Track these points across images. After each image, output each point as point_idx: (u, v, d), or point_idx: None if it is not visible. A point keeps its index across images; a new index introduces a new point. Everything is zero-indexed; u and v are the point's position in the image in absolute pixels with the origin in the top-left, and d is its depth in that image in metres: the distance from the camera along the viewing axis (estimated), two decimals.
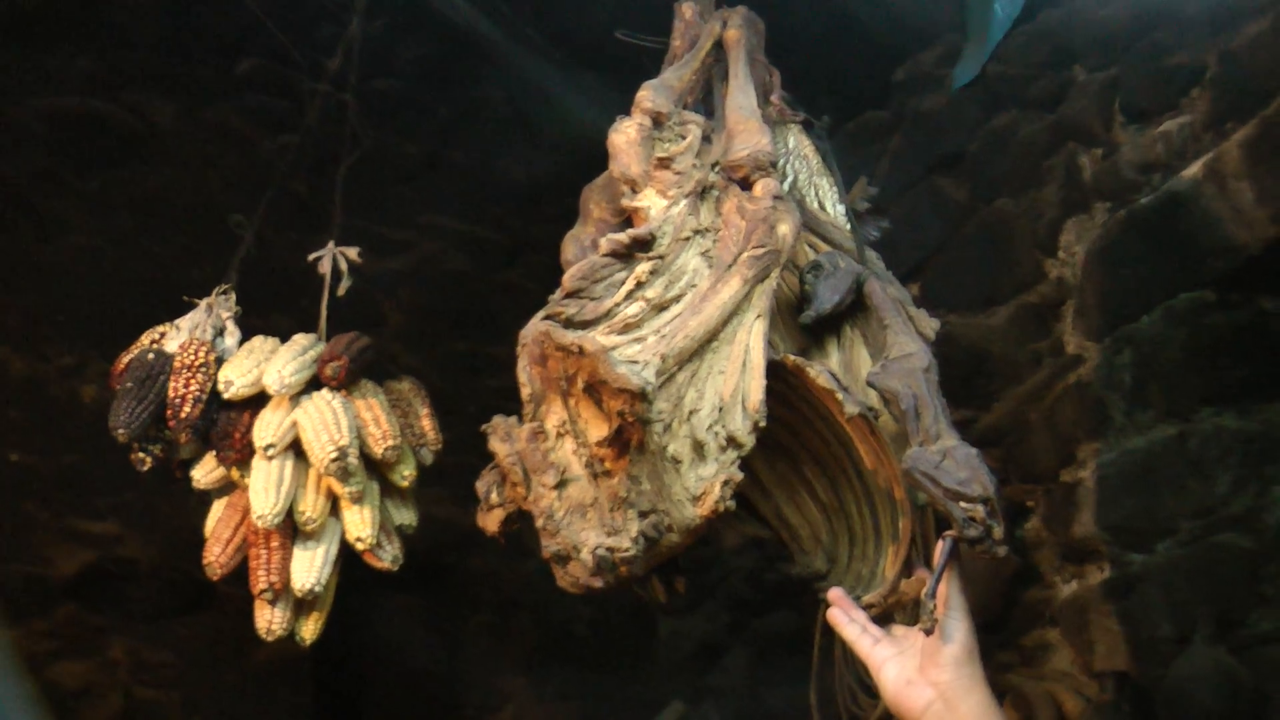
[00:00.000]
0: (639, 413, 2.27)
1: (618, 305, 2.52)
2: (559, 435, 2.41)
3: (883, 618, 2.47)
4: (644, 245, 2.61)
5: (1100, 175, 3.89)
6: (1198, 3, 3.52)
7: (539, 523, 2.36)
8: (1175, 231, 3.57)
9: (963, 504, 2.28)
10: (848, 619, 2.44)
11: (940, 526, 2.46)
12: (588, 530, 2.32)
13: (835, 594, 2.50)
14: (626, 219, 2.91)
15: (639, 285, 2.55)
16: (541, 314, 2.50)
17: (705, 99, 3.14)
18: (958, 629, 2.27)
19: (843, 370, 2.71)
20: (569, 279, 2.56)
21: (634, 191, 2.80)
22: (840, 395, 2.52)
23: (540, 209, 5.42)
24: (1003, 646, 4.12)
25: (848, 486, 2.67)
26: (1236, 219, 3.39)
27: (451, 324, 5.54)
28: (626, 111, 3.06)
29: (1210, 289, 3.52)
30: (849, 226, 3.03)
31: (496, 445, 2.45)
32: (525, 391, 2.47)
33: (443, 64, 5.41)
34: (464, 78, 5.45)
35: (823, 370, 2.56)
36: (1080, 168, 3.98)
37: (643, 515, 2.32)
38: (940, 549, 2.33)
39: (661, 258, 2.60)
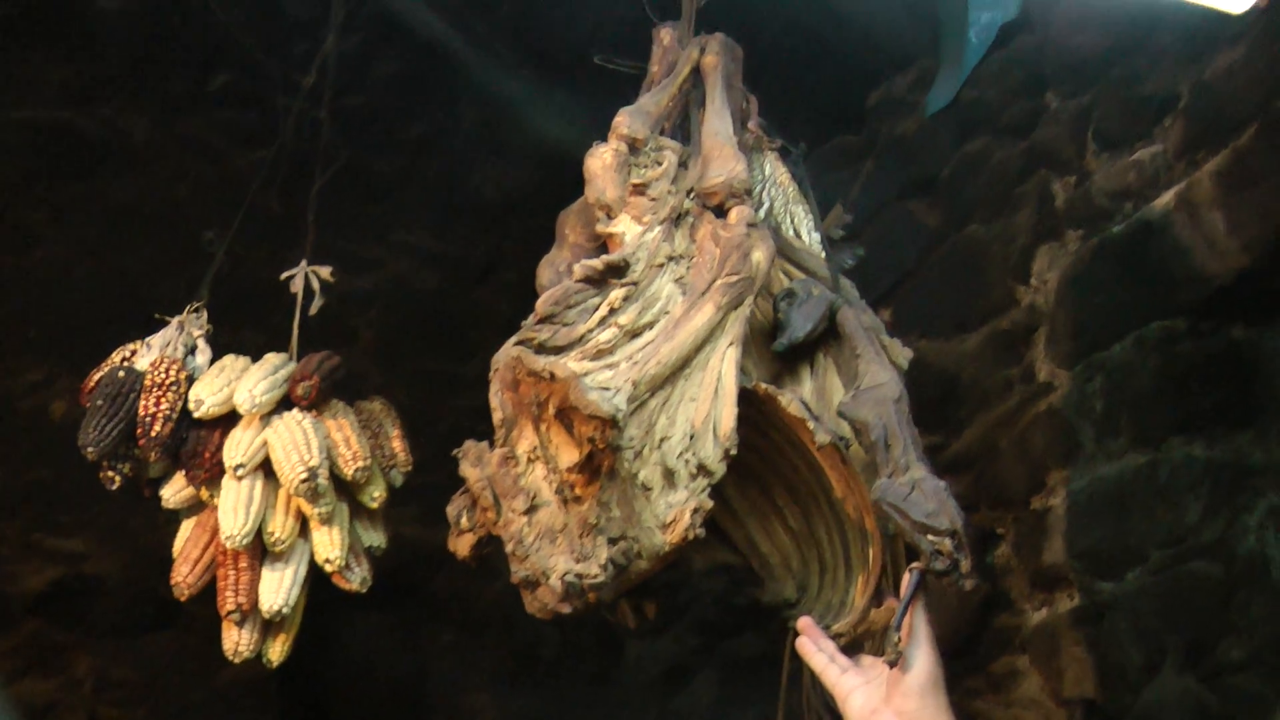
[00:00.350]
0: (610, 439, 2.27)
1: (590, 331, 2.51)
2: (530, 460, 2.41)
3: (852, 646, 2.46)
4: (618, 271, 2.60)
5: (1073, 202, 3.90)
6: (1171, 32, 3.53)
7: (509, 548, 2.35)
8: (1147, 260, 3.58)
9: (930, 536, 2.28)
10: (816, 648, 2.44)
11: (910, 557, 2.46)
12: (557, 556, 2.31)
13: (804, 623, 2.49)
14: (602, 244, 2.91)
15: (612, 311, 2.54)
16: (514, 339, 2.50)
17: (683, 125, 3.14)
18: (923, 659, 2.27)
19: (815, 398, 2.70)
20: (542, 304, 2.55)
21: (609, 217, 2.79)
22: (811, 424, 2.52)
23: (513, 228, 5.42)
24: (971, 673, 4.12)
25: (819, 514, 2.66)
26: (1208, 248, 3.40)
27: (423, 342, 5.53)
28: (602, 132, 3.05)
29: (1182, 318, 3.54)
30: (824, 254, 3.03)
31: (467, 469, 2.45)
32: (497, 416, 2.47)
33: (416, 81, 5.39)
34: (438, 95, 5.44)
35: (794, 399, 2.55)
36: (1053, 194, 3.99)
37: (612, 542, 2.31)
38: (907, 580, 2.34)
39: (635, 284, 2.60)
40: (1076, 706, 3.73)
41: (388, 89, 5.34)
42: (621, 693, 5.53)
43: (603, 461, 2.31)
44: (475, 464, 2.44)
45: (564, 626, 5.41)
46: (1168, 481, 3.50)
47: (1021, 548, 4.00)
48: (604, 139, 3.07)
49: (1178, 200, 3.49)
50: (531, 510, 2.36)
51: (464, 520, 2.54)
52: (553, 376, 2.31)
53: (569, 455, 2.34)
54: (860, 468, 2.53)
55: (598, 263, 2.60)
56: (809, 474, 2.63)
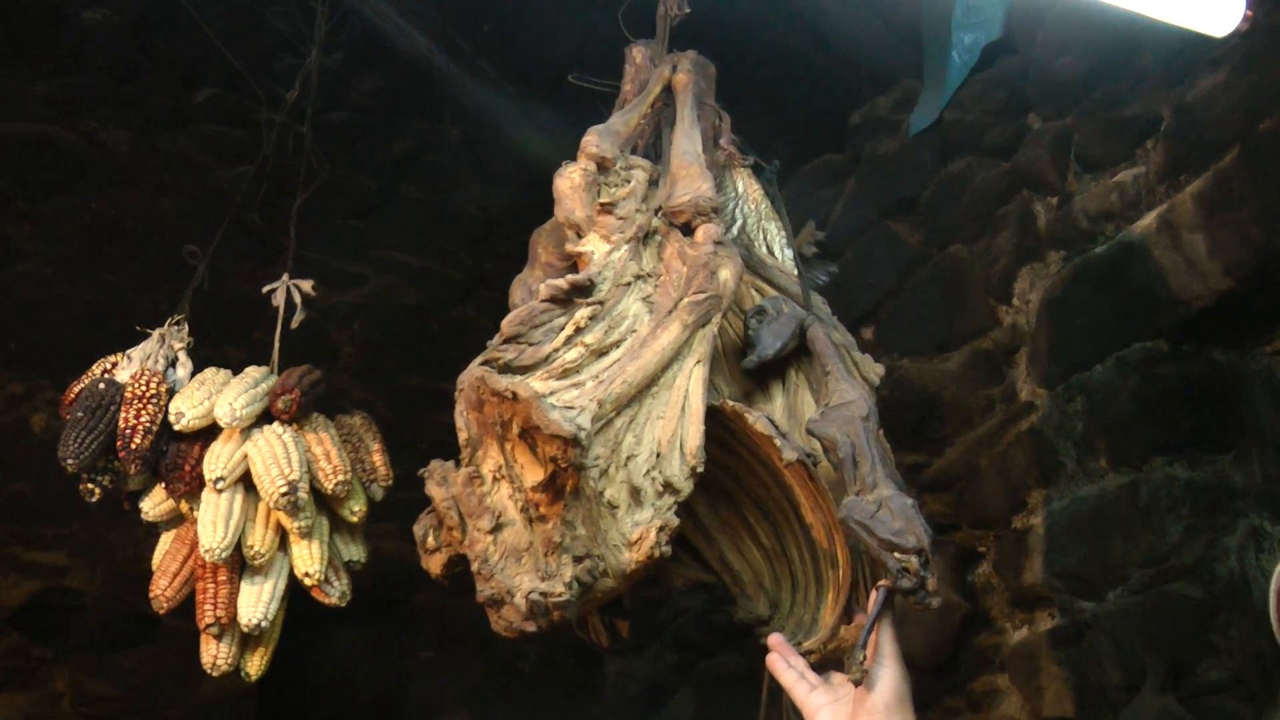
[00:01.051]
0: (572, 458, 2.27)
1: (556, 350, 2.51)
2: (495, 480, 2.41)
3: (824, 664, 2.46)
4: (583, 291, 2.60)
5: (1054, 224, 3.91)
6: (1153, 55, 3.55)
7: (474, 566, 2.36)
8: (1129, 282, 3.60)
9: (897, 554, 2.27)
10: (786, 665, 2.43)
11: (876, 575, 2.46)
12: (522, 575, 2.31)
13: (775, 640, 2.49)
14: (573, 264, 2.91)
15: (578, 330, 2.54)
16: (480, 359, 2.50)
17: (655, 143, 3.14)
18: (888, 677, 2.26)
19: (786, 415, 2.71)
20: (507, 324, 2.55)
21: (578, 236, 2.79)
22: (778, 441, 2.52)
23: (494, 245, 5.43)
24: (951, 691, 4.12)
25: (789, 532, 2.65)
26: (1189, 270, 3.41)
27: (404, 358, 5.53)
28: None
29: (1163, 339, 3.55)
30: (796, 271, 3.03)
31: (433, 489, 2.45)
32: (462, 436, 2.47)
33: (400, 98, 5.41)
34: (421, 112, 5.45)
35: (760, 416, 2.56)
36: (1034, 215, 4.00)
37: (577, 560, 2.31)
38: (874, 599, 2.33)
39: (601, 303, 2.60)
40: None
41: (370, 106, 5.36)
42: (600, 710, 5.52)
43: (567, 481, 2.31)
44: (440, 484, 2.45)
45: (543, 644, 5.41)
46: (1148, 502, 3.50)
47: (1002, 567, 4.00)
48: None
49: (1159, 222, 3.51)
50: (497, 529, 2.36)
51: (430, 539, 2.53)
52: (515, 396, 2.31)
53: (534, 474, 2.34)
54: (829, 485, 2.54)
55: (563, 282, 2.60)
56: (779, 491, 2.63)
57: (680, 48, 3.27)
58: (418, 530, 2.55)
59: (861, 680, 2.24)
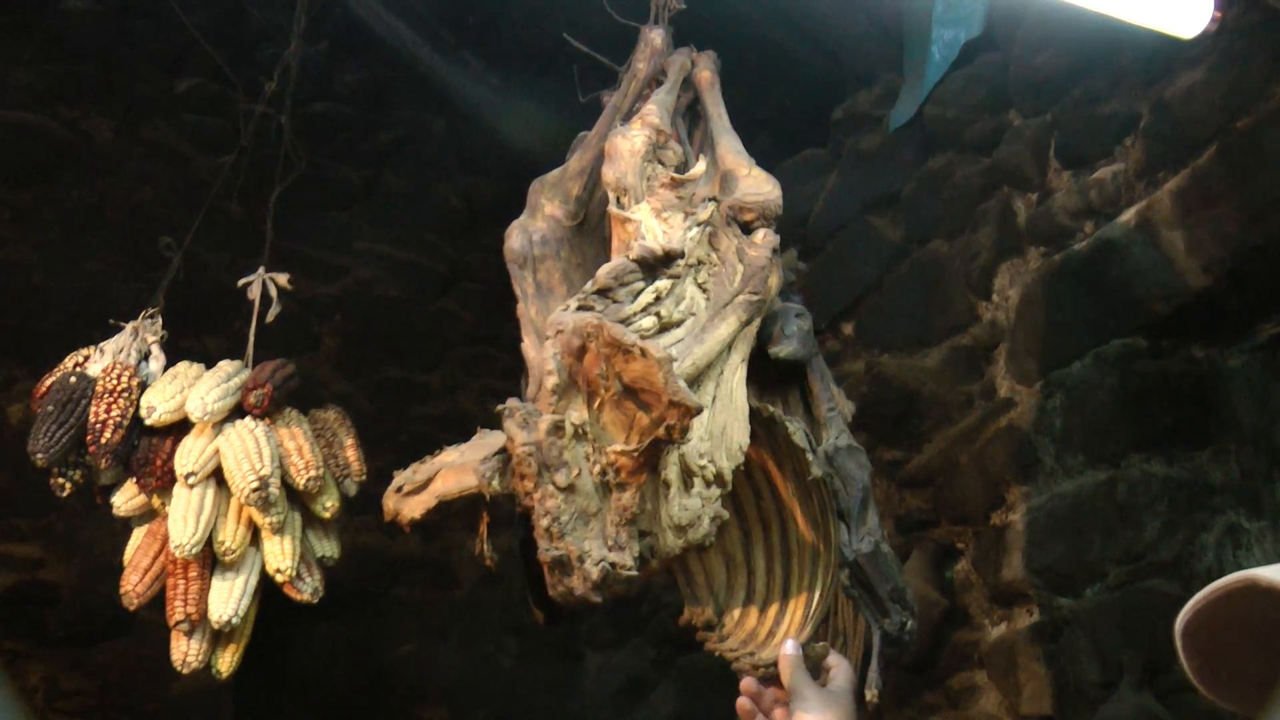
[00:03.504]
0: (686, 428, 2.20)
1: (635, 315, 2.47)
2: (575, 436, 2.29)
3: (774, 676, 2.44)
4: (671, 261, 2.57)
5: (1034, 220, 3.91)
6: (1132, 53, 3.54)
7: (543, 523, 2.22)
8: (1108, 278, 3.59)
9: (899, 607, 2.37)
10: (754, 709, 2.41)
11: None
12: (590, 541, 2.22)
13: (747, 684, 2.47)
14: (581, 220, 2.94)
15: (657, 299, 2.51)
16: (575, 303, 2.44)
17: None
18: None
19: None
20: (604, 275, 2.50)
21: (623, 202, 2.77)
22: (810, 456, 2.52)
23: (477, 237, 5.42)
24: (930, 688, 4.12)
25: (763, 543, 2.64)
26: (1168, 267, 3.41)
27: (385, 350, 5.51)
28: (565, 141, 3.11)
29: (1141, 336, 3.55)
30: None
31: (513, 430, 2.28)
32: (551, 381, 2.33)
33: (383, 89, 5.40)
34: (404, 104, 5.44)
35: (799, 428, 2.56)
36: (1015, 212, 4.00)
37: (642, 535, 2.27)
38: (866, 638, 2.38)
39: (677, 277, 2.57)
40: None
41: (355, 97, 5.35)
42: (581, 704, 5.51)
43: (660, 453, 2.24)
44: (522, 426, 2.27)
45: (523, 638, 5.41)
46: (1126, 499, 3.50)
47: (981, 563, 4.00)
48: (566, 149, 3.09)
49: (1138, 219, 3.50)
50: (570, 489, 2.24)
51: (496, 483, 2.39)
52: (644, 354, 2.21)
53: (619, 438, 2.27)
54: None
55: (657, 248, 2.56)
56: (770, 503, 2.62)
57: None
58: (483, 469, 2.41)
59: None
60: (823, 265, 4.84)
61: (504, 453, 2.37)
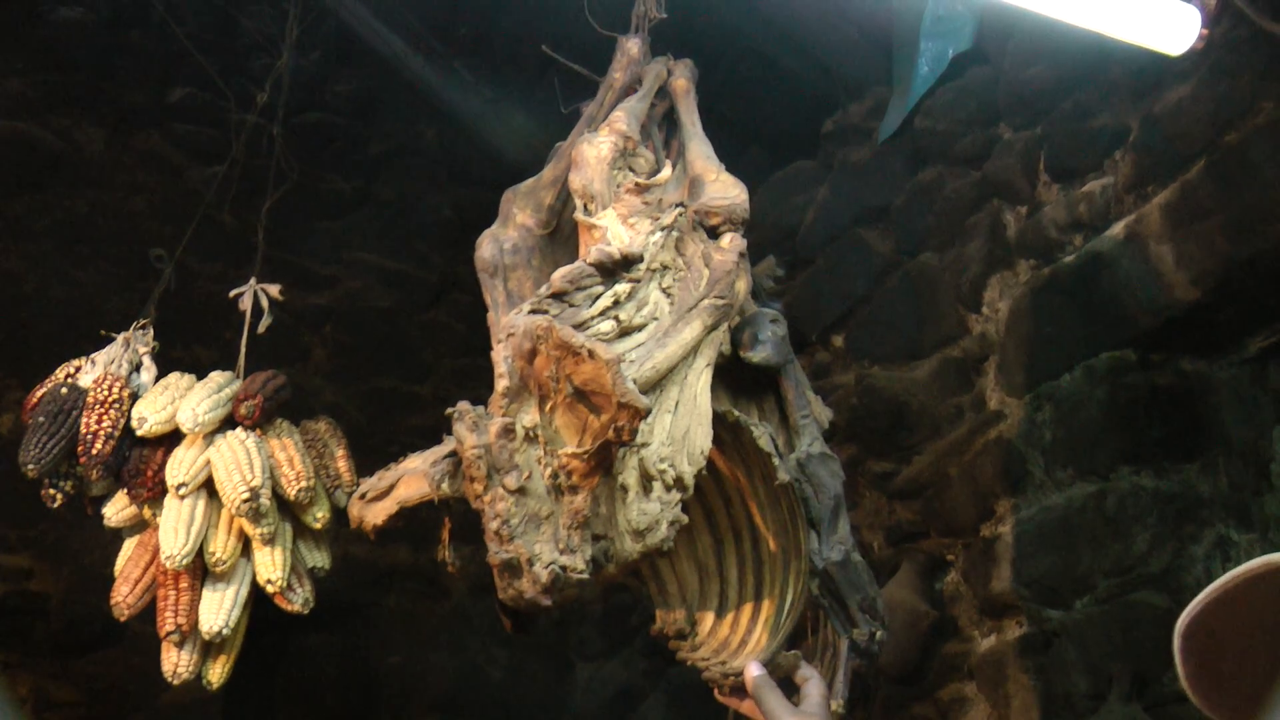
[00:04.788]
0: (635, 429, 2.18)
1: (593, 319, 2.45)
2: (527, 438, 2.29)
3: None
4: (630, 265, 2.56)
5: (1024, 233, 3.92)
6: (1121, 66, 3.55)
7: (492, 526, 2.21)
8: (1097, 291, 3.60)
9: (869, 617, 2.37)
10: None
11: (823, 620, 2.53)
12: (541, 544, 2.21)
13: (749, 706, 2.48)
14: (554, 229, 2.94)
15: (615, 303, 2.49)
16: (528, 307, 2.43)
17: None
18: None
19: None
20: (558, 279, 2.48)
21: (589, 209, 2.77)
22: (776, 461, 2.52)
23: (468, 248, 5.39)
24: (919, 699, 4.13)
25: (734, 551, 2.64)
26: (1157, 281, 3.42)
27: (375, 361, 5.51)
28: (550, 149, 3.12)
29: (1130, 349, 3.56)
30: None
31: (462, 433, 2.28)
32: (502, 384, 2.34)
33: (375, 100, 5.40)
34: (395, 114, 5.44)
35: (764, 433, 2.55)
36: (1004, 224, 4.01)
37: (595, 539, 2.25)
38: (836, 647, 2.38)
39: (637, 281, 2.55)
40: None
41: (347, 107, 5.35)
42: (571, 715, 5.51)
43: (611, 455, 2.23)
44: (472, 429, 2.27)
45: (512, 649, 5.40)
46: (1116, 511, 3.51)
47: (970, 575, 4.00)
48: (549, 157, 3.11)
49: (1127, 233, 3.52)
50: (521, 491, 2.23)
51: (445, 486, 2.38)
52: (591, 355, 2.19)
53: (571, 440, 2.26)
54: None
55: (614, 251, 2.54)
56: (740, 510, 2.62)
57: (655, 51, 3.28)
58: (432, 471, 2.41)
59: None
60: (813, 277, 4.85)
61: (455, 455, 2.36)
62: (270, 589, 3.32)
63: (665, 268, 2.64)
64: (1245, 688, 1.53)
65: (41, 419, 3.28)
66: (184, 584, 3.25)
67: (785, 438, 2.68)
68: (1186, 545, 3.45)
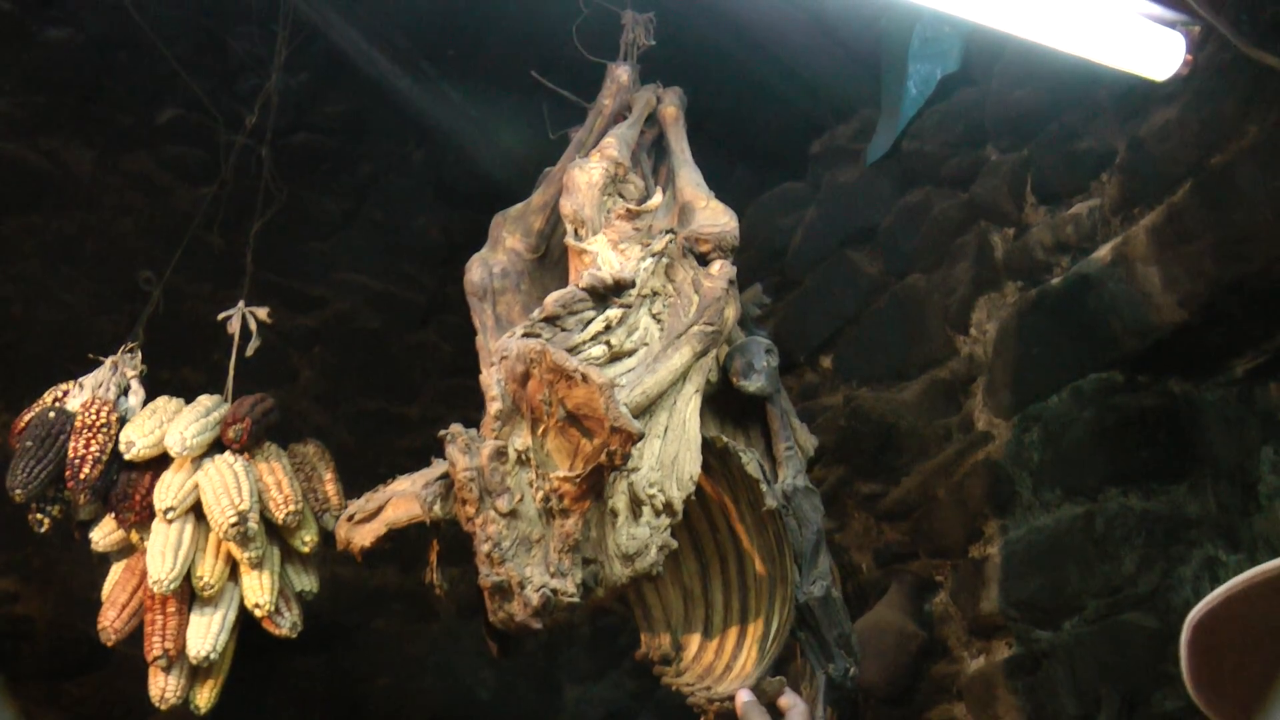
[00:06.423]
0: (628, 454, 2.20)
1: (584, 343, 2.47)
2: (519, 462, 2.31)
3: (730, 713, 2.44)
4: (622, 290, 2.57)
5: (1011, 254, 3.93)
6: (1108, 89, 3.56)
7: (484, 549, 2.23)
8: (1084, 313, 3.61)
9: (844, 653, 2.41)
10: None
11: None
12: (532, 567, 2.22)
13: None
14: (543, 253, 2.95)
15: (607, 328, 2.51)
16: (521, 331, 2.44)
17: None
18: None
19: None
20: (551, 303, 2.50)
21: (580, 234, 2.78)
22: (764, 487, 2.52)
23: (456, 269, 5.37)
24: None
25: (720, 577, 2.64)
26: (1144, 302, 3.42)
27: (364, 382, 5.50)
28: (538, 171, 3.14)
29: (1118, 370, 3.57)
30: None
31: (455, 455, 2.29)
32: (494, 407, 2.36)
33: (364, 121, 5.40)
34: (384, 135, 5.44)
35: (753, 458, 2.56)
36: (992, 246, 4.01)
37: (586, 563, 2.27)
38: (813, 681, 2.41)
39: (629, 306, 2.57)
40: None
41: (336, 128, 5.34)
42: None
43: (603, 479, 2.24)
44: (464, 451, 2.29)
45: (501, 670, 5.39)
46: (1104, 532, 3.52)
47: (959, 596, 4.00)
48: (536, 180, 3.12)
49: (1114, 255, 3.52)
50: (513, 514, 2.25)
51: (437, 508, 2.39)
52: (585, 379, 2.22)
53: (563, 464, 2.28)
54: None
55: (607, 276, 2.56)
56: (726, 536, 2.63)
57: (643, 73, 3.29)
58: (424, 493, 2.41)
59: None
60: (801, 298, 4.86)
61: (447, 478, 2.37)
62: (258, 613, 3.31)
63: (655, 293, 2.66)
64: (1245, 690, 1.53)
65: (29, 443, 3.28)
66: (171, 608, 3.24)
67: (770, 468, 2.69)
68: (1175, 566, 3.46)
